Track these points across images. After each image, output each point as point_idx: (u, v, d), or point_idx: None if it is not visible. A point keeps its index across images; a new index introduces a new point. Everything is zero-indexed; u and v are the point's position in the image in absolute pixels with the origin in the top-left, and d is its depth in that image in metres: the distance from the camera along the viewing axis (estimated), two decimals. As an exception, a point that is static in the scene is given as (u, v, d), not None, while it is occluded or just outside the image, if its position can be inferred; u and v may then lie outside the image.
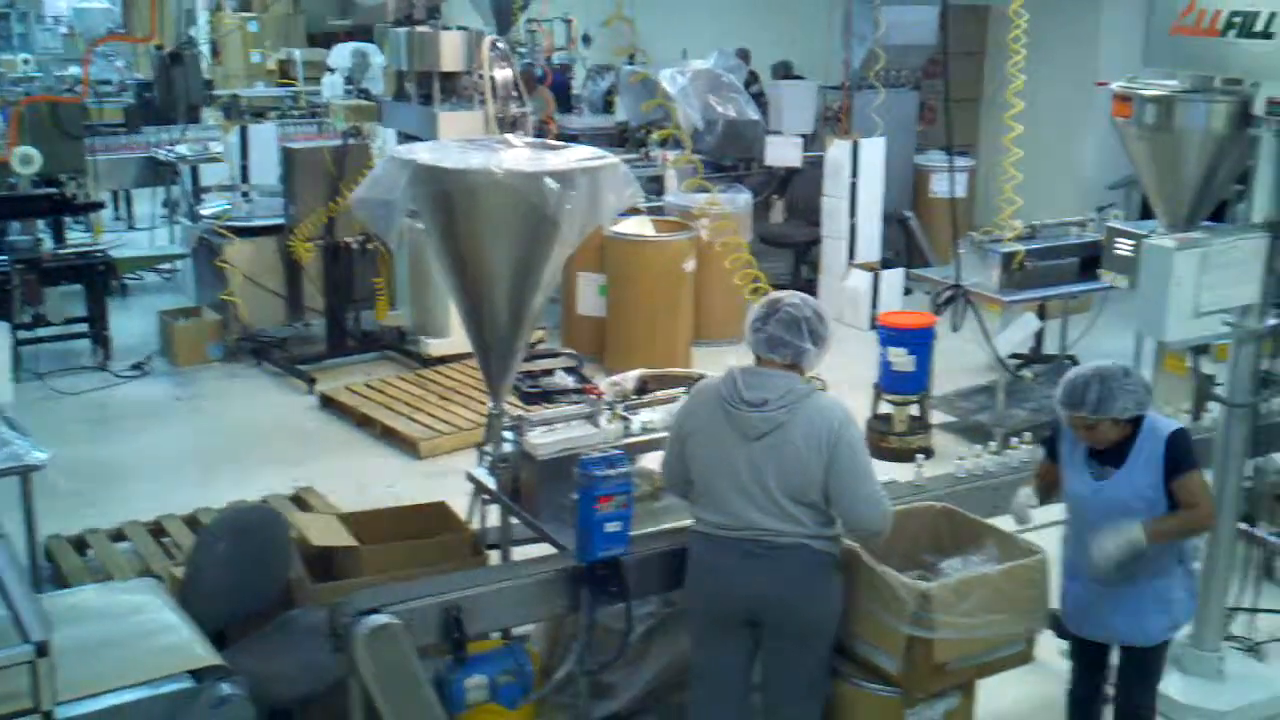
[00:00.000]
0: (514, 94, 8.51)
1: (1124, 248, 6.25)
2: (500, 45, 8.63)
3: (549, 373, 5.01)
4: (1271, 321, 4.76)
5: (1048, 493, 4.53)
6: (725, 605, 4.10)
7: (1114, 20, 11.37)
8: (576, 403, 4.79)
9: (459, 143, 4.90)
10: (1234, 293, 4.60)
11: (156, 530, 6.17)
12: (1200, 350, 5.31)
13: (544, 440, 4.49)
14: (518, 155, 4.47)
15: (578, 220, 4.16)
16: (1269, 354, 4.88)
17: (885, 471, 5.97)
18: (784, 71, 12.89)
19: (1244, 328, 4.73)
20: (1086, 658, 4.55)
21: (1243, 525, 5.58)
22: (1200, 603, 5.11)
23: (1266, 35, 4.43)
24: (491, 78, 8.37)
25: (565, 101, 13.16)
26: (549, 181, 4.06)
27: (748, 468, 3.95)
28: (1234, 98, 4.65)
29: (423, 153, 4.51)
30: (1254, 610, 5.47)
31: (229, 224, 9.36)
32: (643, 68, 11.48)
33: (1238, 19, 4.52)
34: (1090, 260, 7.68)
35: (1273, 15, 4.40)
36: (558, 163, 4.31)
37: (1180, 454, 4.14)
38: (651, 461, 4.98)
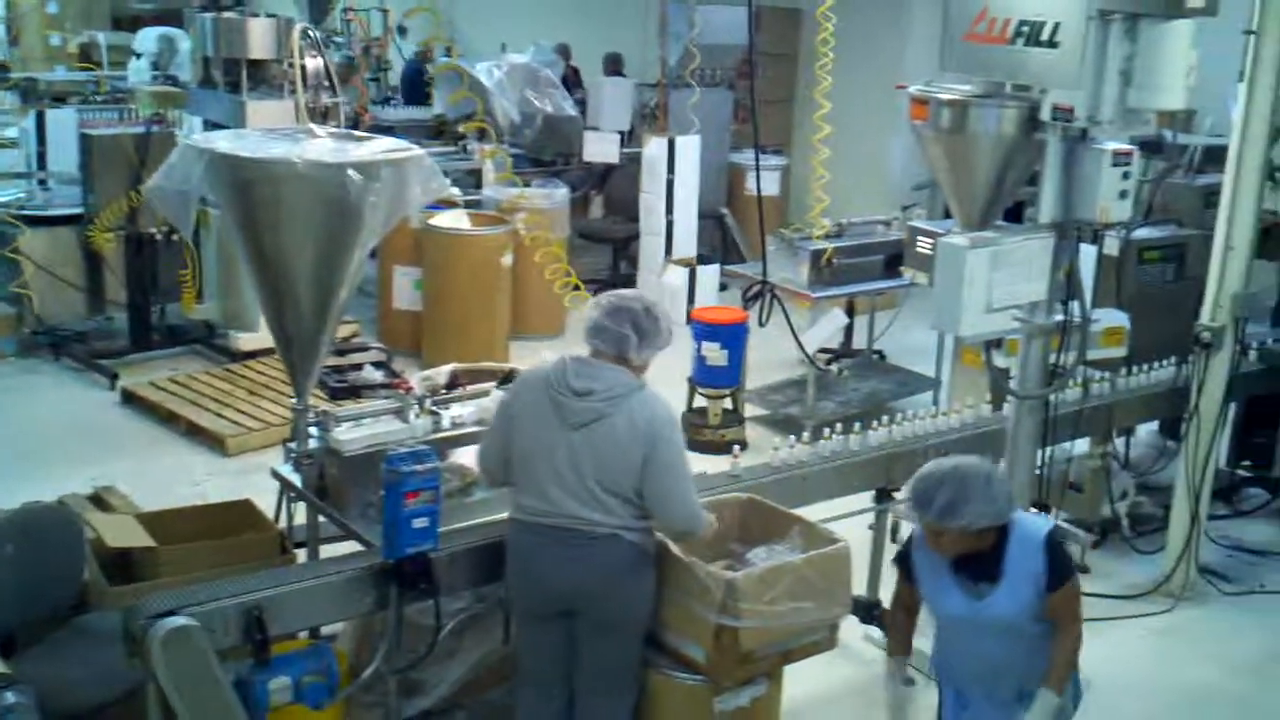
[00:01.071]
0: (325, 84, 8.35)
1: (923, 246, 6.47)
2: (311, 33, 8.45)
3: (357, 367, 4.94)
4: (1058, 317, 5.00)
5: (908, 630, 4.10)
6: (540, 595, 4.13)
7: (921, 25, 11.73)
8: (385, 398, 4.72)
9: (261, 132, 4.79)
10: (1023, 289, 4.80)
11: (-59, 534, 5.86)
12: (994, 344, 5.51)
13: (351, 436, 4.42)
14: (320, 146, 4.39)
15: (382, 212, 4.11)
16: (1057, 348, 5.12)
17: (701, 464, 6.09)
18: (614, 66, 12.95)
19: (1033, 323, 4.95)
20: None
21: (1039, 512, 5.85)
22: (993, 586, 5.33)
23: (1052, 44, 4.63)
24: (302, 66, 8.20)
25: (420, 92, 13.01)
26: (351, 173, 3.99)
27: (567, 455, 3.98)
28: (1023, 103, 4.85)
29: (221, 141, 4.39)
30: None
31: (21, 213, 8.94)
32: (457, 60, 11.36)
33: (1025, 28, 4.72)
34: (895, 258, 7.92)
35: (1058, 25, 4.60)
36: (361, 154, 4.24)
37: (1061, 562, 3.76)
38: (463, 456, 4.97)
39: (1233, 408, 6.63)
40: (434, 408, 4.69)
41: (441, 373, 5.12)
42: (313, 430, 4.52)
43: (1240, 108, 5.66)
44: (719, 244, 11.40)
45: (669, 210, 10.23)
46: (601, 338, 4.06)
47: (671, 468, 4.00)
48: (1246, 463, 7.03)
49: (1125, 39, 4.53)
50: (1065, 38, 4.59)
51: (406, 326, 9.07)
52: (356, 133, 4.77)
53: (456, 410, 4.75)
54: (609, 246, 11.39)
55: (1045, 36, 4.66)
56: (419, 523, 3.97)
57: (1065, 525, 6.23)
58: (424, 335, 8.87)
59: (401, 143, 4.40)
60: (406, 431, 4.52)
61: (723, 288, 10.35)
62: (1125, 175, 4.73)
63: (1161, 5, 4.48)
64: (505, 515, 4.24)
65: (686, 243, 10.40)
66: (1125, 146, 4.71)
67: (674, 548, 4.17)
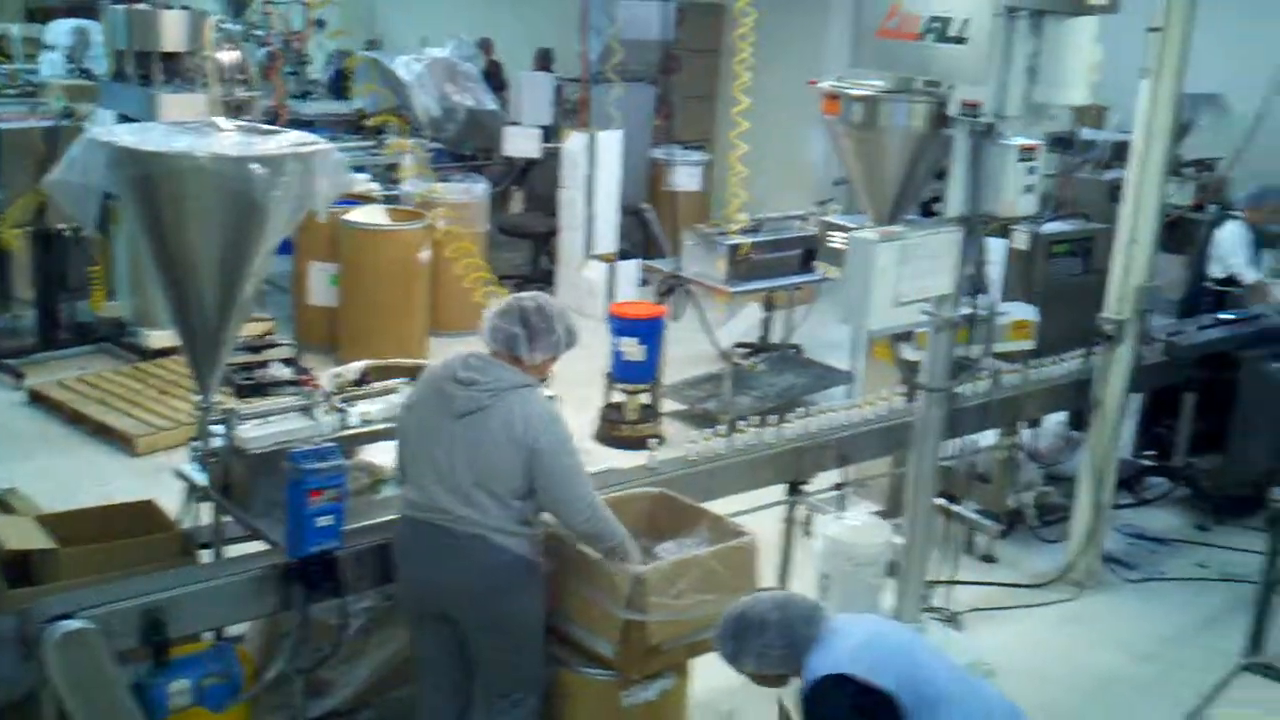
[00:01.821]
0: (240, 77, 8.24)
1: (836, 241, 6.51)
2: (225, 26, 8.33)
3: (265, 364, 4.86)
4: (965, 310, 5.05)
5: None
6: (415, 593, 4.14)
7: (841, 20, 11.82)
8: (293, 395, 4.66)
9: (166, 125, 4.71)
10: (931, 283, 4.84)
11: None
12: (904, 338, 5.57)
13: (256, 434, 4.36)
14: (226, 140, 4.33)
15: (287, 207, 4.05)
16: (964, 341, 5.18)
17: (617, 459, 6.11)
18: (543, 61, 12.92)
19: (940, 316, 5.00)
20: None
21: (946, 503, 5.93)
22: (900, 577, 5.41)
23: (960, 40, 4.67)
24: (216, 60, 8.08)
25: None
26: (255, 167, 3.94)
27: (446, 446, 3.97)
28: (932, 99, 4.89)
29: (125, 135, 4.31)
30: (952, 583, 5.80)
31: (-77, 208, 8.71)
32: (375, 54, 11.27)
33: (935, 24, 4.75)
34: (811, 253, 7.99)
35: (966, 21, 4.65)
36: (267, 148, 4.19)
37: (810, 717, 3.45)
38: (372, 453, 4.93)
39: (1137, 399, 6.77)
40: (341, 405, 4.63)
41: (352, 369, 5.07)
42: (218, 428, 4.45)
43: (1144, 104, 5.76)
44: (640, 240, 11.41)
45: (589, 205, 10.23)
46: (493, 335, 4.06)
47: (559, 471, 3.94)
48: (1150, 452, 7.17)
49: (1031, 35, 4.58)
50: (973, 34, 4.63)
51: (323, 323, 8.98)
52: (263, 126, 4.69)
53: (365, 407, 4.69)
54: (530, 242, 11.36)
55: (954, 32, 4.70)
56: (323, 521, 3.93)
57: (973, 516, 6.34)
58: (340, 332, 8.80)
59: (309, 136, 4.34)
60: (313, 429, 4.46)
61: (644, 283, 10.36)
62: (1031, 170, 4.78)
63: (1065, 2, 4.53)
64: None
65: (607, 238, 10.41)
66: (1031, 142, 4.76)
67: (581, 544, 4.17)
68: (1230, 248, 8.04)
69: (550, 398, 4.23)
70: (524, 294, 4.18)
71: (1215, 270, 8.07)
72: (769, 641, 3.49)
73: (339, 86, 12.85)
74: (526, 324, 4.03)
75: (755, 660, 3.53)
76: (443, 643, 4.15)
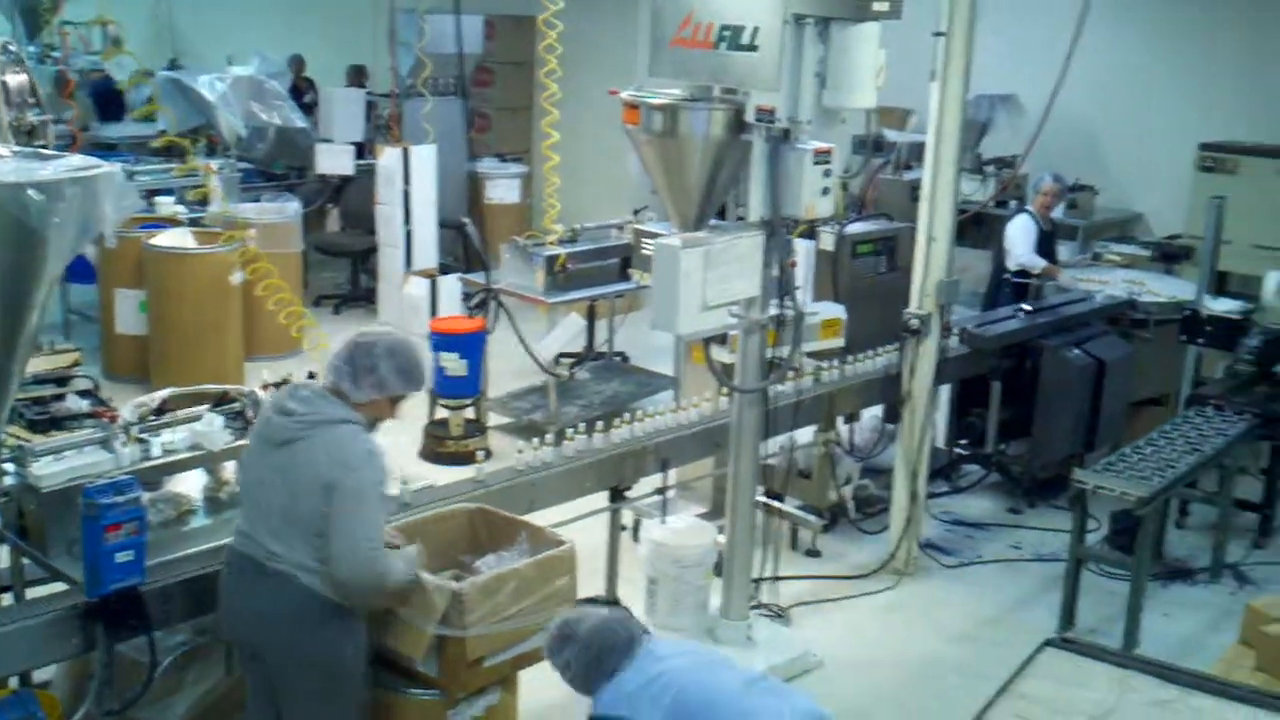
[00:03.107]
0: (30, 100, 7.91)
1: (648, 248, 6.57)
2: (12, 48, 8.00)
3: (60, 397, 4.68)
4: (772, 311, 5.15)
5: None
6: (227, 626, 4.05)
7: (649, 30, 11.92)
8: (91, 428, 4.50)
9: (-63, 152, 4.47)
10: (737, 286, 4.93)
11: None
12: (718, 341, 5.64)
13: (50, 470, 4.19)
14: (2, 166, 4.14)
15: (69, 234, 3.89)
16: (773, 342, 5.28)
17: (443, 475, 6.05)
18: (357, 77, 12.75)
19: (749, 319, 5.09)
20: None
21: (769, 500, 6.04)
22: (725, 575, 5.48)
23: (752, 48, 4.77)
24: (4, 83, 7.74)
25: (113, 108, 12.44)
26: (32, 193, 3.77)
27: (263, 476, 3.91)
28: (730, 105, 4.97)
29: (-110, 163, 4.09)
30: (777, 579, 5.90)
31: None
32: (176, 73, 10.96)
33: (728, 32, 4.85)
34: (629, 261, 8.04)
35: (757, 29, 4.75)
36: (45, 173, 4.01)
37: None
38: (179, 484, 4.79)
39: (946, 390, 7.00)
40: (143, 435, 4.49)
41: (155, 399, 4.91)
42: (8, 466, 4.26)
43: (934, 106, 5.97)
44: (461, 254, 11.33)
45: (407, 221, 10.11)
46: (327, 369, 4.00)
47: (345, 515, 3.75)
48: (963, 441, 7.42)
49: (818, 41, 4.70)
50: (764, 41, 4.73)
51: (132, 352, 8.71)
52: (44, 151, 4.51)
53: (168, 437, 4.56)
54: (348, 260, 11.19)
55: (746, 40, 4.80)
56: (123, 556, 3.80)
57: (796, 512, 6.47)
58: (151, 360, 8.52)
59: (92, 160, 4.17)
60: (112, 462, 4.31)
61: (467, 298, 10.29)
62: (826, 173, 4.91)
63: (850, 9, 4.67)
64: (223, 542, 4.11)
65: (427, 253, 10.29)
66: (825, 145, 4.88)
67: (399, 562, 4.12)
68: (1014, 239, 8.36)
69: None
70: (371, 330, 4.10)
71: (1009, 263, 8.38)
72: (569, 659, 3.62)
73: (115, 108, 12.46)
74: (351, 361, 3.94)
75: (560, 670, 3.66)
76: (256, 679, 4.06)
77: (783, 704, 3.54)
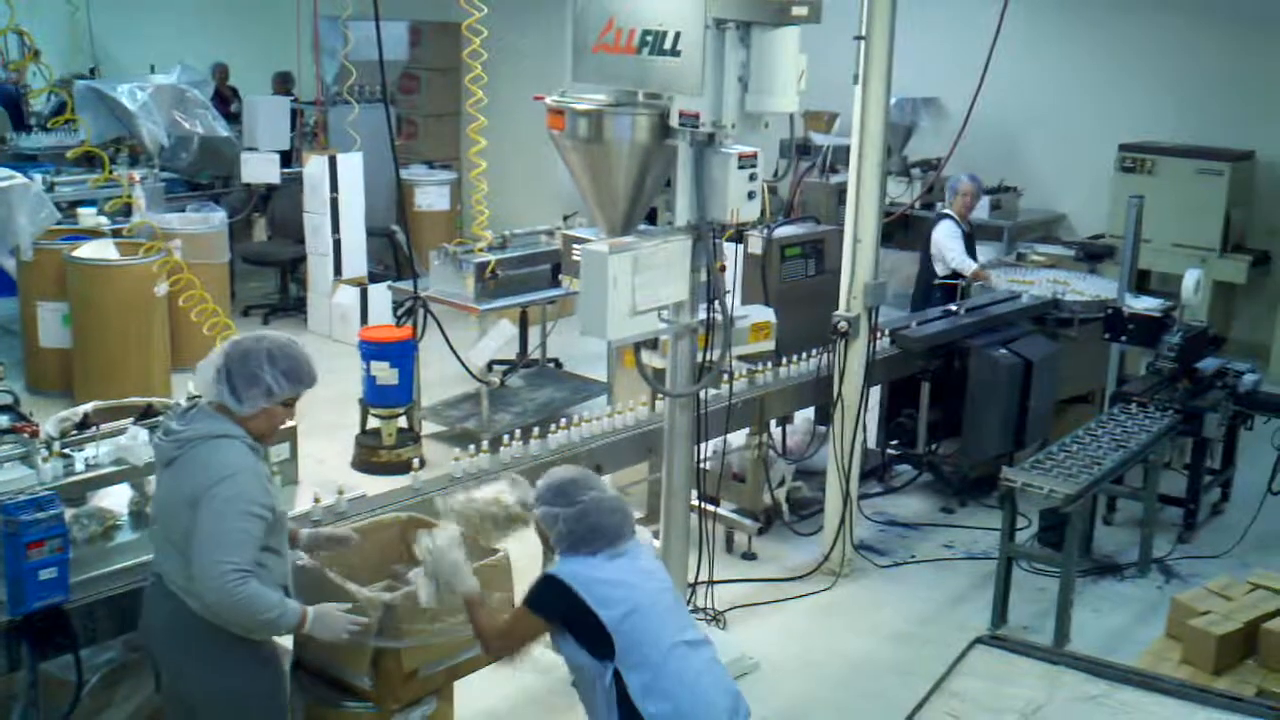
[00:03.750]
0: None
1: (577, 254, 6.57)
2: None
3: (-22, 414, 4.59)
4: (702, 315, 5.16)
5: None
6: (143, 640, 3.99)
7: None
8: (10, 443, 4.41)
9: None
10: (665, 291, 4.93)
11: None
12: (650, 345, 5.65)
13: (-32, 488, 4.11)
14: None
15: (-15, 247, 3.84)
16: (704, 346, 5.29)
17: (376, 485, 6.00)
18: (282, 85, 12.62)
19: (678, 323, 5.09)
20: None
21: (705, 504, 6.03)
22: (660, 581, 5.47)
23: (675, 53, 4.77)
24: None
25: (19, 119, 12.18)
26: (-56, 206, 3.72)
27: (156, 496, 3.88)
28: (655, 110, 4.97)
29: None
30: (713, 582, 5.91)
31: None
32: (95, 82, 10.77)
33: (650, 38, 4.83)
34: (560, 266, 8.03)
35: (679, 34, 4.75)
36: (-41, 186, 3.96)
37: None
38: (104, 499, 4.71)
39: (877, 391, 7.06)
40: (65, 450, 4.41)
41: (78, 413, 4.84)
42: (-78, 486, 4.17)
43: (857, 109, 6.02)
44: (392, 261, 11.27)
45: (335, 229, 10.04)
46: (199, 384, 3.84)
47: (205, 532, 3.58)
48: (894, 442, 7.48)
49: (740, 46, 4.71)
50: (686, 46, 4.73)
51: (56, 365, 8.55)
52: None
53: (92, 451, 4.49)
54: (277, 269, 11.08)
55: (668, 46, 4.79)
56: (46, 574, 3.74)
57: (731, 515, 6.49)
58: (75, 373, 8.38)
59: (5, 171, 4.13)
60: (34, 478, 4.24)
61: (397, 305, 10.22)
62: (752, 177, 4.91)
63: (770, 13, 4.68)
64: (149, 557, 4.05)
65: (356, 261, 10.24)
66: (749, 149, 4.89)
67: (330, 573, 4.08)
68: (943, 245, 8.47)
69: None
70: (242, 338, 3.88)
71: (938, 268, 8.48)
72: (559, 515, 3.72)
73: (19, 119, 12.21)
74: (228, 375, 3.75)
75: (544, 517, 3.78)
76: (167, 695, 4.00)
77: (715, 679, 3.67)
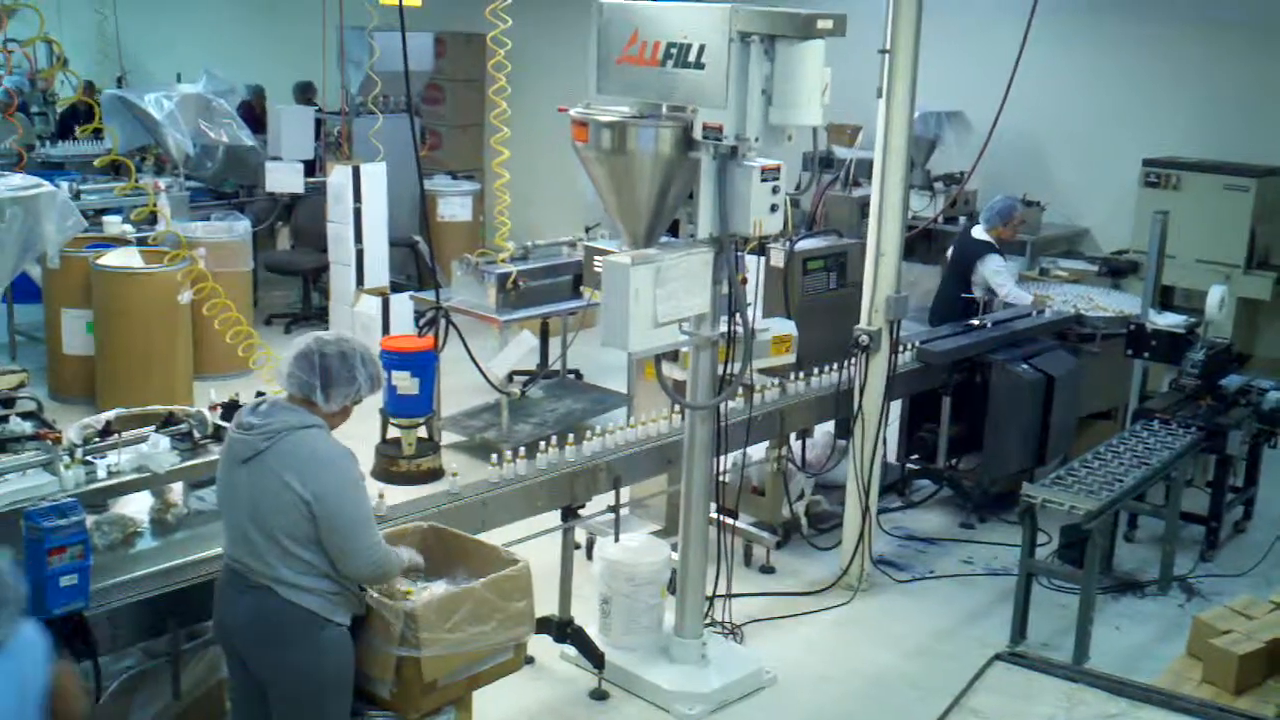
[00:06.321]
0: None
1: (599, 265, 6.57)
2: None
3: (3, 419, 4.62)
4: (723, 328, 5.17)
5: None
6: (219, 634, 4.10)
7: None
8: (33, 450, 4.44)
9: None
10: (687, 303, 4.94)
11: None
12: (671, 358, 5.65)
13: (-8, 494, 4.14)
14: (-59, 187, 4.11)
15: (12, 252, 3.87)
16: (725, 359, 5.29)
17: (396, 495, 6.01)
18: (305, 95, 12.68)
19: (699, 335, 5.10)
20: None
21: (723, 517, 6.02)
22: (679, 593, 5.48)
23: (699, 65, 4.79)
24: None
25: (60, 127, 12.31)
26: (-28, 214, 3.75)
27: (233, 494, 3.93)
28: (678, 123, 4.98)
29: None
30: (731, 596, 5.90)
31: None
32: (122, 91, 10.86)
33: (674, 50, 4.86)
34: (581, 278, 8.03)
35: (703, 47, 4.77)
36: (-13, 193, 4.00)
37: None
38: (126, 506, 4.74)
39: (898, 405, 7.04)
40: (88, 458, 4.44)
41: (100, 420, 4.87)
42: (-54, 492, 4.20)
43: (881, 123, 6.01)
44: (414, 272, 11.30)
45: (358, 239, 10.06)
46: (288, 381, 3.96)
47: (339, 518, 3.80)
48: (914, 456, 7.46)
49: (764, 59, 4.73)
50: (710, 59, 4.75)
51: (80, 373, 8.61)
52: (-14, 171, 4.48)
53: (114, 458, 4.51)
54: (299, 278, 11.12)
55: (692, 58, 4.81)
56: (67, 580, 3.77)
57: (750, 528, 6.48)
58: (98, 380, 8.43)
59: (33, 179, 4.16)
60: (56, 484, 4.26)
61: (419, 316, 10.25)
62: (774, 190, 4.93)
63: (795, 27, 4.70)
64: (171, 564, 4.09)
65: (378, 271, 10.24)
66: (772, 162, 4.90)
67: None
68: (994, 281, 8.08)
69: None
70: (325, 336, 4.06)
71: (978, 293, 8.19)
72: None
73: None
74: (325, 370, 3.91)
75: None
76: (244, 688, 4.09)
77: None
